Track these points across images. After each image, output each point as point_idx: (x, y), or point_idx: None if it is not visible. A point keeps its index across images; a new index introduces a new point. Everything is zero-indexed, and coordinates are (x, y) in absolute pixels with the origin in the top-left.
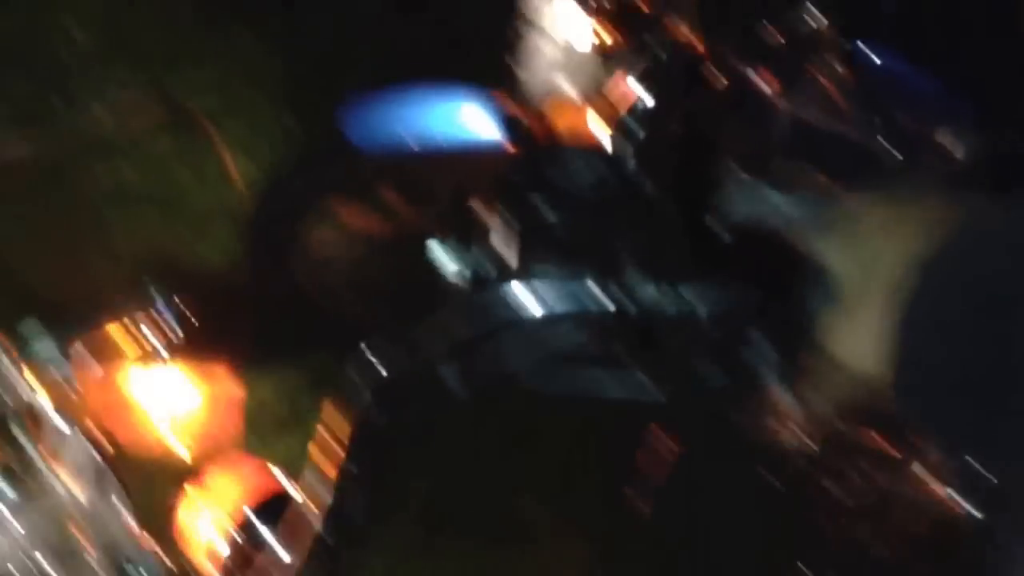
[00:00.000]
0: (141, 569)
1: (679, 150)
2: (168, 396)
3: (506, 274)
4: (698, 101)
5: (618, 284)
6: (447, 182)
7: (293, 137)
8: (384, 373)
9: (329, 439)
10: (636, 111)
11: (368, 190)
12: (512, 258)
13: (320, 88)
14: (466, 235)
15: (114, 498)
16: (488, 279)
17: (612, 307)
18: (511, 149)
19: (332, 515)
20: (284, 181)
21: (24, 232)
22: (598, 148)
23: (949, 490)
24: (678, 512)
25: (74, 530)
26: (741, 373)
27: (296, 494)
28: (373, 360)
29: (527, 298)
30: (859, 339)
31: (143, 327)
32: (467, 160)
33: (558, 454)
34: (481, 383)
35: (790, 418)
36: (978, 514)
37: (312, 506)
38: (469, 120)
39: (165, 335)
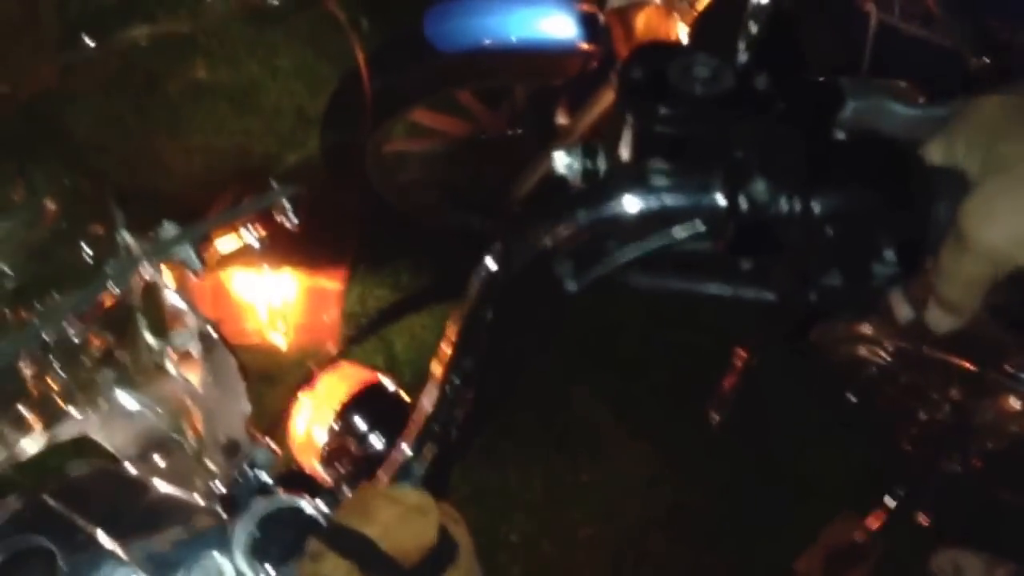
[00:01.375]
0: (256, 460)
1: (782, 50)
2: (274, 294)
3: (617, 168)
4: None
5: (731, 181)
6: (526, 83)
7: (366, 35)
8: (492, 267)
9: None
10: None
11: (447, 91)
12: (624, 153)
13: None
14: (549, 131)
15: (234, 390)
16: (598, 173)
17: (725, 204)
18: (590, 50)
19: (438, 409)
20: (360, 80)
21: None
22: (709, 47)
23: None
24: (745, 424)
25: (190, 423)
26: (860, 275)
27: (399, 391)
28: (482, 256)
29: (638, 193)
30: (985, 243)
31: (255, 225)
32: (546, 60)
33: (627, 358)
34: (589, 279)
35: (903, 324)
36: None
37: (419, 403)
38: (549, 22)
39: (276, 233)
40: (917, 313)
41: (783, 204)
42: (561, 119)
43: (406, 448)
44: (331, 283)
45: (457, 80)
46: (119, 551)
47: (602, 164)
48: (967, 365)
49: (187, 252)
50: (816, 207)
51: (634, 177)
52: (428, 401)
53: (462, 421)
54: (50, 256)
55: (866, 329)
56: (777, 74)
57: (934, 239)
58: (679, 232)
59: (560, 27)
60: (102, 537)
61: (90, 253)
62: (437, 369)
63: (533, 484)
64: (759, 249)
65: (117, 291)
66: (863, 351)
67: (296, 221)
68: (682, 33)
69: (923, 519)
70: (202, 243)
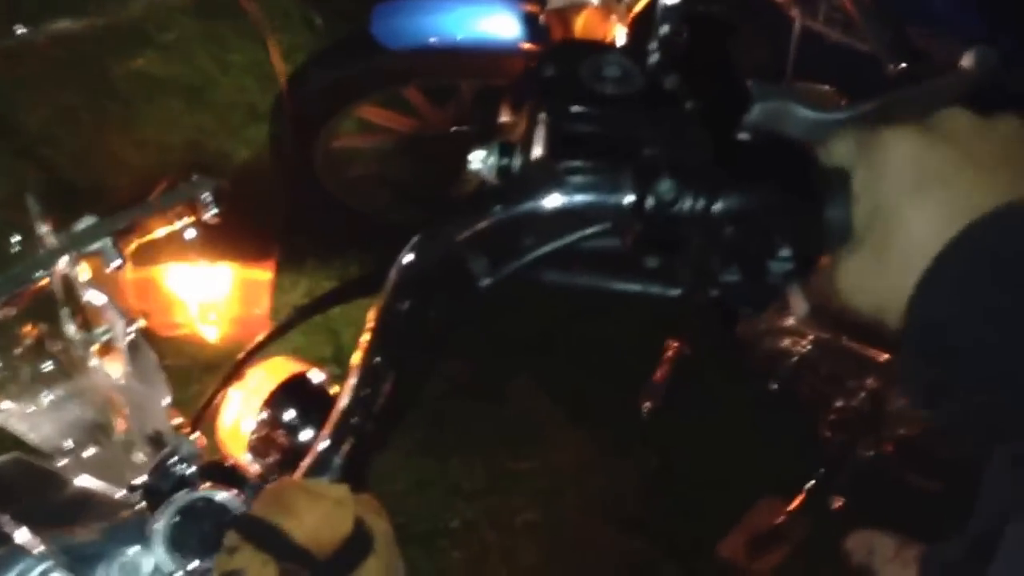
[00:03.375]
0: (179, 452)
1: (699, 52)
2: (203, 287)
3: (530, 166)
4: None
5: (639, 179)
6: (471, 81)
7: (319, 32)
8: (409, 260)
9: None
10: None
11: (393, 88)
12: (536, 151)
13: None
14: (492, 128)
15: (156, 383)
16: (513, 170)
17: (631, 201)
18: (532, 49)
19: (355, 402)
20: (309, 76)
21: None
22: (623, 46)
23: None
24: (675, 413)
25: (116, 416)
26: (756, 272)
27: (323, 381)
28: (401, 250)
29: (550, 191)
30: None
31: (182, 217)
32: (490, 59)
33: (565, 349)
34: (502, 274)
35: (798, 318)
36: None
37: (341, 394)
38: (492, 22)
39: (203, 224)
40: (812, 308)
41: (687, 203)
42: (505, 117)
43: (324, 441)
44: (261, 275)
45: (404, 77)
46: (35, 545)
47: (517, 162)
48: (882, 355)
49: (105, 244)
50: (718, 206)
51: (547, 175)
52: (346, 394)
53: (380, 413)
54: None
55: (789, 322)
56: (687, 75)
57: (827, 239)
58: (589, 229)
59: (503, 27)
60: (18, 531)
61: (16, 241)
62: (356, 362)
63: (475, 473)
64: (664, 246)
65: (38, 282)
66: (786, 343)
67: (216, 213)
68: (620, 34)
69: (839, 502)
70: (123, 236)
